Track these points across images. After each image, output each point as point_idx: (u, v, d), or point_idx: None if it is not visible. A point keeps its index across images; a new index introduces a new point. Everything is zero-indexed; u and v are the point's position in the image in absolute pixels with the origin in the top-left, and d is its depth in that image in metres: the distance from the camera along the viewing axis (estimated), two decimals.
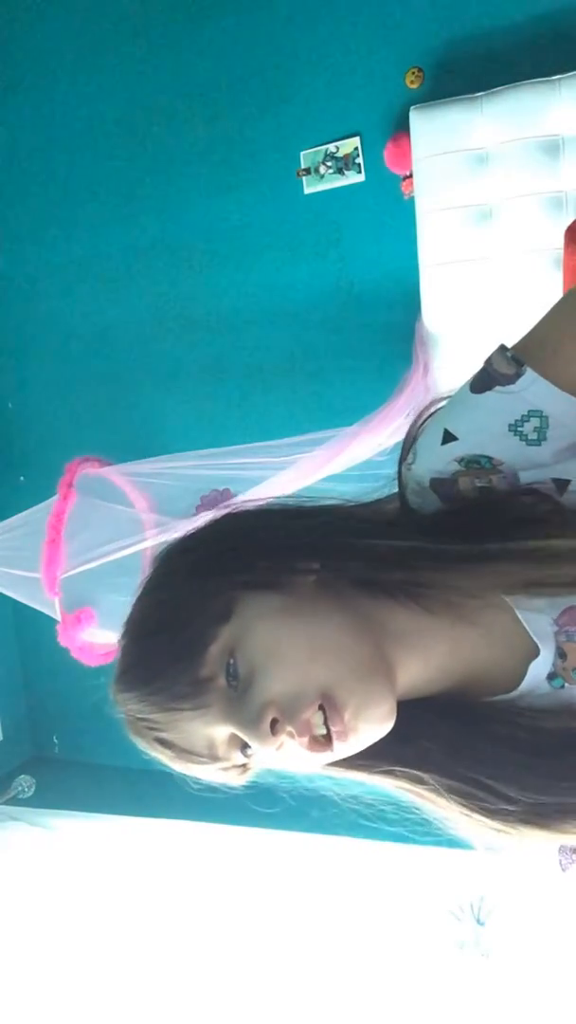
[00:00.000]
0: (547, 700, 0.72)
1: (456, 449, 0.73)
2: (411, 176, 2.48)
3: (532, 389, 0.70)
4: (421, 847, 2.44)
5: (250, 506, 0.78)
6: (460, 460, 0.73)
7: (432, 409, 0.77)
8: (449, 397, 0.76)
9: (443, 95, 2.39)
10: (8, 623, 3.60)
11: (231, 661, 0.68)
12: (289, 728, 0.66)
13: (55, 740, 3.70)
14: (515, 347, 0.73)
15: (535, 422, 0.71)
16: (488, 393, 0.71)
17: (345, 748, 0.68)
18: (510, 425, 0.71)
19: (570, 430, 0.71)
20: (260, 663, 0.67)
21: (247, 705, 0.67)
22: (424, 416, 0.77)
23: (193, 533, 0.76)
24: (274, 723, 0.66)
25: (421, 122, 2.37)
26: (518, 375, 0.70)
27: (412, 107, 2.39)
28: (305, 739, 0.66)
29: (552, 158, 2.28)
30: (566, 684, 0.72)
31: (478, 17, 2.44)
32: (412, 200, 2.48)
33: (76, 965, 2.85)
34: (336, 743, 0.66)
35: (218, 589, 0.70)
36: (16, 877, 3.15)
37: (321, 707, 0.66)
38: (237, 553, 0.73)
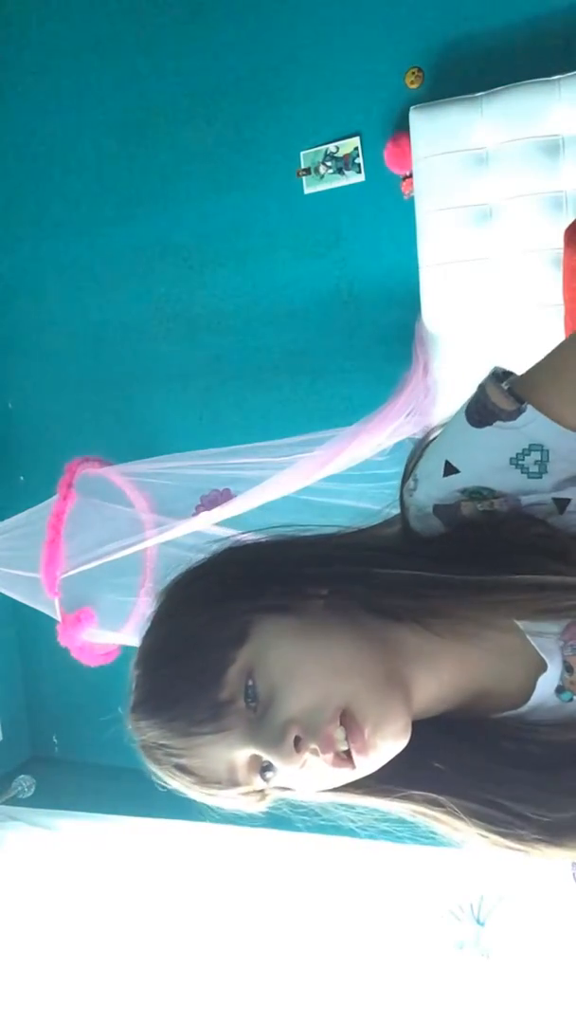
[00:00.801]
0: (557, 714, 0.73)
1: (458, 481, 0.74)
2: (411, 176, 2.48)
3: (533, 425, 0.71)
4: (421, 847, 2.44)
5: (252, 537, 0.78)
6: (462, 491, 0.74)
7: (431, 435, 0.78)
8: (446, 423, 0.77)
9: (443, 95, 2.39)
10: (8, 623, 3.60)
11: (250, 683, 0.69)
12: (313, 745, 0.66)
13: (55, 740, 3.70)
14: (518, 381, 0.73)
15: (536, 455, 0.72)
16: (488, 428, 0.72)
17: (365, 764, 0.68)
18: (511, 459, 0.72)
19: (570, 463, 0.72)
20: (280, 682, 0.68)
21: (269, 724, 0.68)
22: (424, 443, 0.78)
23: (198, 564, 0.77)
24: (297, 741, 0.66)
25: (421, 122, 2.37)
26: (519, 411, 0.71)
27: (412, 107, 2.39)
28: (329, 755, 0.67)
29: (552, 158, 2.28)
30: (575, 697, 0.73)
31: (478, 17, 2.44)
32: (412, 200, 2.48)
33: (76, 965, 2.85)
34: (357, 759, 0.67)
35: (232, 614, 0.71)
36: (15, 877, 3.15)
37: (341, 723, 0.67)
38: (247, 579, 0.74)
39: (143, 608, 2.45)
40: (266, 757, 0.68)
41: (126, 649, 2.55)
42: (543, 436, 0.71)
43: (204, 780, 0.72)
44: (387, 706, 0.68)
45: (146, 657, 0.74)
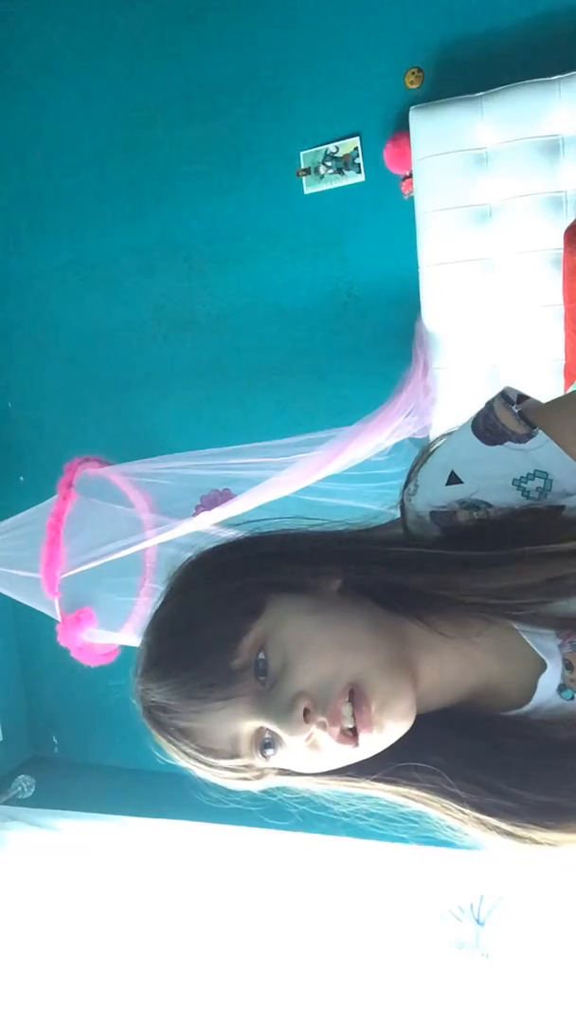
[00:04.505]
0: (560, 712, 0.74)
1: (458, 492, 0.76)
2: (411, 176, 2.48)
3: (542, 451, 0.73)
4: (420, 847, 2.44)
5: (266, 528, 0.79)
6: (460, 502, 0.76)
7: (436, 443, 0.80)
8: (452, 432, 0.79)
9: (443, 95, 2.39)
10: (8, 623, 3.60)
11: (261, 656, 0.70)
12: (321, 718, 0.67)
13: (55, 740, 3.70)
14: (532, 409, 0.75)
15: (539, 482, 0.73)
16: (498, 447, 0.74)
17: (369, 742, 0.69)
18: (515, 480, 0.74)
19: (570, 499, 0.73)
20: (292, 655, 0.69)
21: (278, 696, 0.68)
22: (428, 450, 0.80)
23: (211, 548, 0.78)
24: (306, 713, 0.67)
25: (421, 122, 2.37)
26: (530, 435, 0.73)
27: (412, 107, 2.39)
28: (336, 729, 0.67)
29: (552, 158, 2.28)
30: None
31: (478, 17, 2.44)
32: (412, 200, 2.48)
33: (76, 964, 2.85)
34: (361, 735, 0.68)
35: (247, 589, 0.72)
36: (15, 877, 3.15)
37: (349, 700, 0.68)
38: (264, 559, 0.75)
39: (143, 608, 2.45)
40: (273, 728, 0.69)
41: (126, 649, 2.54)
42: (550, 464, 0.73)
43: (204, 748, 0.72)
44: (395, 685, 0.69)
45: (158, 626, 0.75)
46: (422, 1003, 2.51)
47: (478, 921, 2.60)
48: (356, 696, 0.67)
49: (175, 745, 0.73)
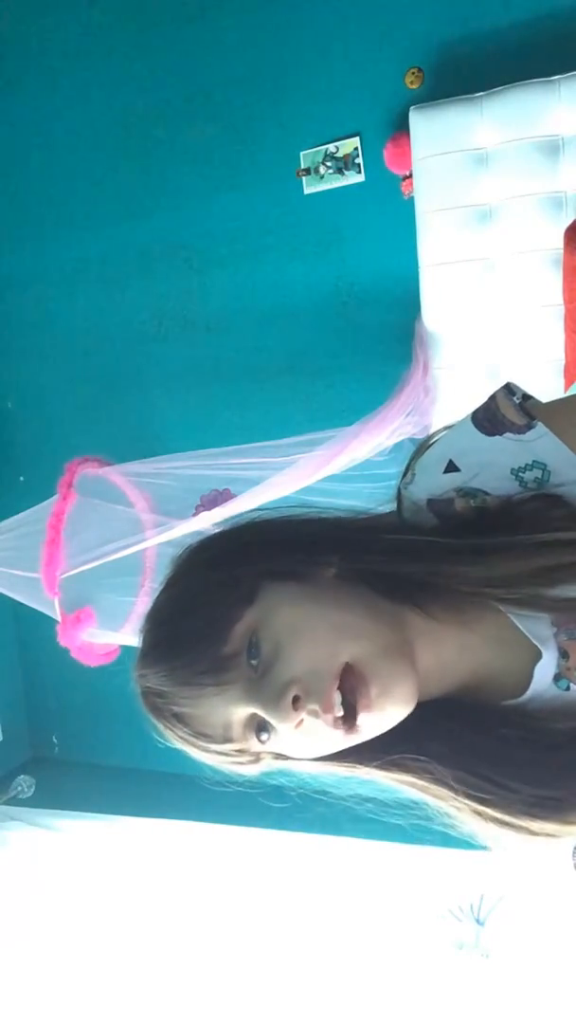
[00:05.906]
0: (556, 703, 0.74)
1: (456, 479, 0.76)
2: (411, 176, 2.48)
3: (541, 442, 0.74)
4: (421, 847, 2.44)
5: (267, 515, 0.80)
6: (458, 489, 0.76)
7: (436, 435, 0.80)
8: (452, 426, 0.79)
9: (443, 95, 2.39)
10: (8, 623, 3.60)
11: (253, 640, 0.70)
12: (313, 706, 0.67)
13: (55, 740, 3.70)
14: (536, 403, 0.76)
15: (537, 472, 0.74)
16: (498, 438, 0.75)
17: (368, 726, 0.69)
18: (513, 469, 0.74)
19: (567, 490, 0.74)
20: (283, 643, 0.69)
21: (269, 683, 0.69)
22: (427, 441, 0.80)
23: (213, 535, 0.79)
24: (295, 700, 0.67)
25: (421, 122, 2.37)
26: (529, 427, 0.74)
27: (412, 107, 2.39)
28: (329, 716, 0.67)
29: (552, 158, 2.28)
30: (571, 685, 0.73)
31: (478, 17, 2.44)
32: (412, 200, 2.48)
33: (76, 964, 2.85)
34: (360, 717, 0.67)
35: (242, 576, 0.73)
36: (15, 877, 3.15)
37: (340, 688, 0.68)
38: (260, 546, 0.76)
39: (143, 608, 2.45)
40: (263, 714, 0.69)
41: (126, 649, 2.55)
42: (548, 455, 0.73)
43: (199, 733, 0.73)
44: (395, 668, 0.69)
45: (156, 612, 0.76)
46: (422, 1003, 2.51)
47: (478, 921, 2.60)
48: (356, 678, 0.67)
49: (171, 730, 0.74)
